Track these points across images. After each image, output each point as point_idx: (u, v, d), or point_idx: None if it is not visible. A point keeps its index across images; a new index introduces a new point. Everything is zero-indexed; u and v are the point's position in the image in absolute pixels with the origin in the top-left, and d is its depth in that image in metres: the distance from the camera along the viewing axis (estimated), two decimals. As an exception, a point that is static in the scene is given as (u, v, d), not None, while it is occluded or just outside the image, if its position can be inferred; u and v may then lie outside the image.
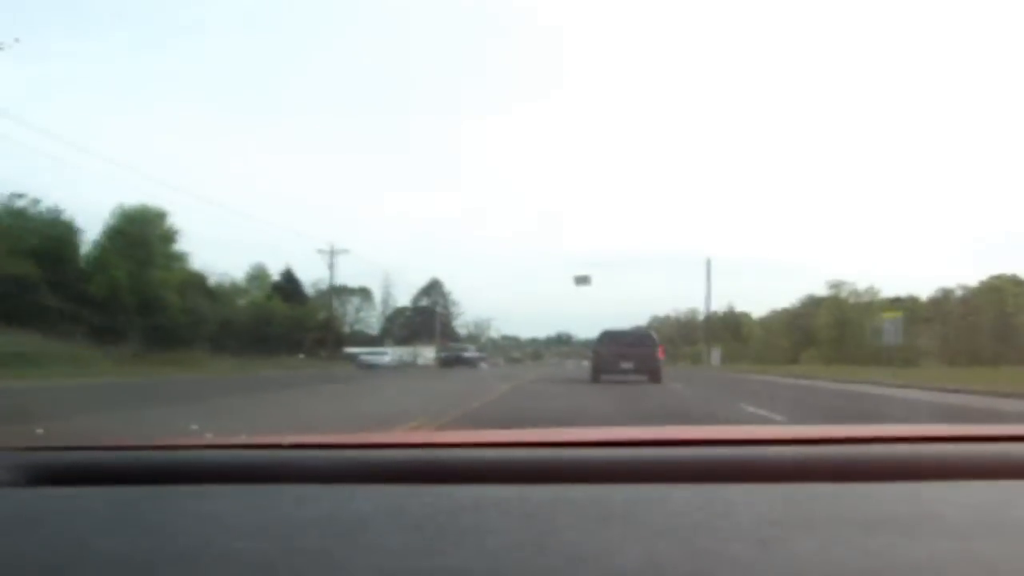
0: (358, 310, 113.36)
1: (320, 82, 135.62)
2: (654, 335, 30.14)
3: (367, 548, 0.90)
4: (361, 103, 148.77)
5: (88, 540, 0.95)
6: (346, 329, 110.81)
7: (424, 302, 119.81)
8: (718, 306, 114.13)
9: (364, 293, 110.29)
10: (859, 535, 0.89)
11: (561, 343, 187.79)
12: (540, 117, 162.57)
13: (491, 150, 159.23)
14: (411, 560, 0.85)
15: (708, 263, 67.03)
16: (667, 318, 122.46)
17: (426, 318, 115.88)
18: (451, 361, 71.20)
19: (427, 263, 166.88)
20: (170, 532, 0.98)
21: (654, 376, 26.21)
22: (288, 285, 66.28)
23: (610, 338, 28.52)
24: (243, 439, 1.50)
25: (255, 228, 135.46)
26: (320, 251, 64.65)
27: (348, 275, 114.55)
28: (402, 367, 69.45)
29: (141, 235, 45.82)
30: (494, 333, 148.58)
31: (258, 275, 67.13)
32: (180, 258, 52.15)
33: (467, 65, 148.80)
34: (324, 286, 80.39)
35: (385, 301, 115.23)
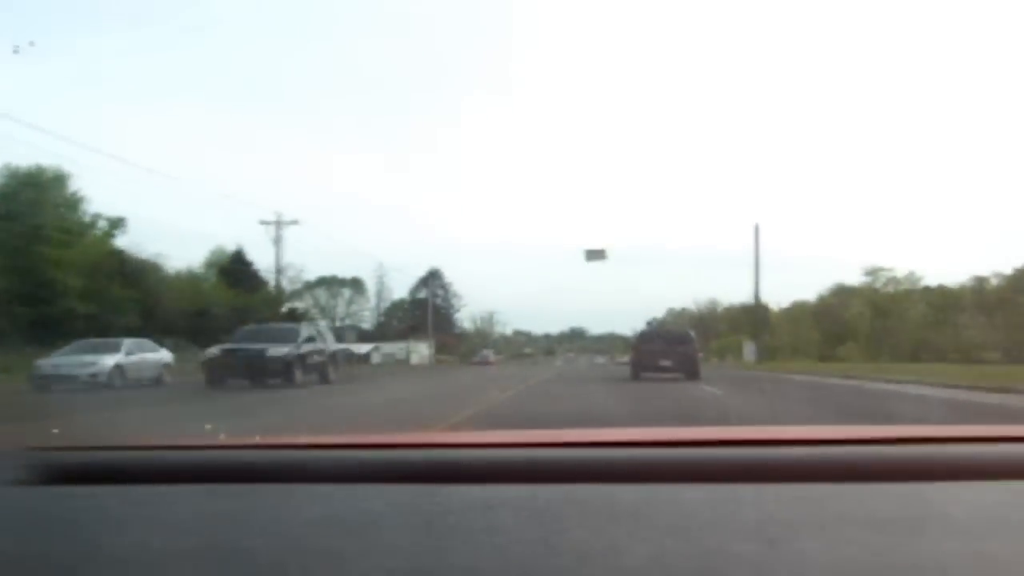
0: (349, 303, 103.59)
1: (317, 72, 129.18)
2: (692, 334, 30.32)
3: (378, 547, 0.91)
4: (357, 90, 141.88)
5: (103, 538, 0.97)
6: (336, 322, 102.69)
7: (423, 294, 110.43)
8: (737, 297, 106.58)
9: (356, 284, 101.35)
10: (867, 535, 0.90)
11: (574, 339, 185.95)
12: (553, 105, 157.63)
13: (500, 140, 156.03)
14: (422, 559, 0.87)
15: (756, 229, 54.95)
16: (683, 311, 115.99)
17: (425, 312, 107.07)
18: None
19: (429, 255, 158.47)
20: (184, 530, 1.00)
21: (692, 374, 26.57)
22: (237, 268, 55.71)
23: (649, 337, 29.75)
24: (256, 440, 1.51)
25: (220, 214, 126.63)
26: (263, 222, 54.67)
27: (342, 267, 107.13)
28: (388, 367, 60.93)
29: (33, 201, 37.55)
30: (504, 328, 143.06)
31: (216, 260, 57.76)
32: (89, 232, 44.42)
33: (469, 51, 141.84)
34: (309, 277, 73.00)
35: (380, 293, 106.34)
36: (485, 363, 79.75)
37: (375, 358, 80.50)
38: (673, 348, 27.79)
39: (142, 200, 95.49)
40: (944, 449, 1.27)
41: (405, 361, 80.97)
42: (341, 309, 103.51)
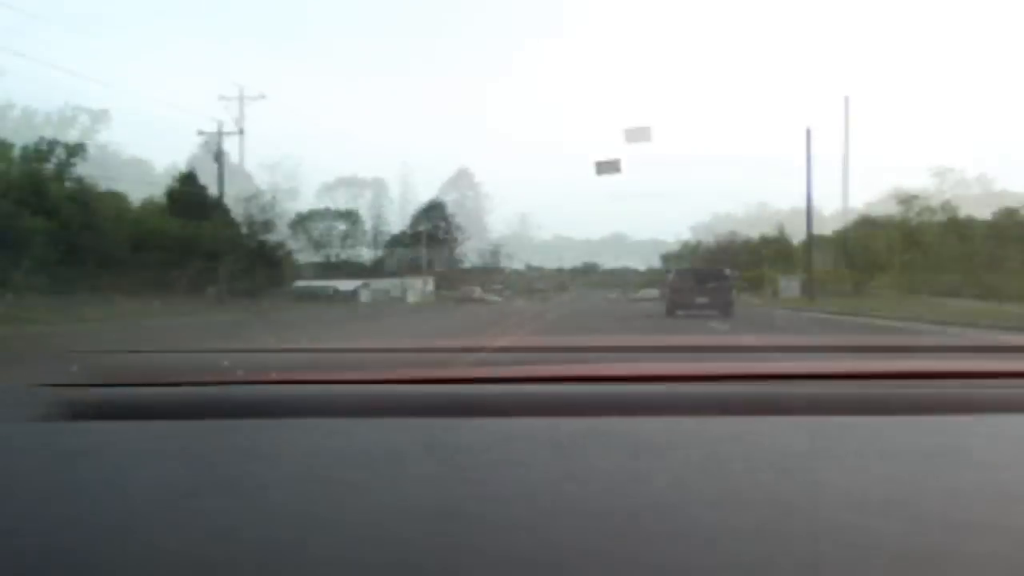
0: (344, 237, 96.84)
1: None
2: (727, 271, 31.25)
3: (403, 479, 0.92)
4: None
5: (126, 472, 0.98)
6: (330, 256, 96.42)
7: (424, 227, 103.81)
8: (755, 229, 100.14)
9: (351, 217, 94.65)
10: (883, 465, 0.92)
11: (588, 272, 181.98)
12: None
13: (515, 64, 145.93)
14: (446, 489, 0.88)
15: (808, 135, 49.87)
16: (698, 244, 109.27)
17: (428, 246, 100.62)
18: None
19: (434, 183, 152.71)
20: (206, 464, 1.01)
21: (725, 310, 26.67)
22: (186, 192, 46.94)
23: (685, 275, 30.76)
24: (273, 375, 1.53)
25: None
26: (223, 98, 47.40)
27: (338, 200, 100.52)
28: (374, 306, 54.71)
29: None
30: (514, 262, 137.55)
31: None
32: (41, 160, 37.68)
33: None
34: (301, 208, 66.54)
35: (375, 225, 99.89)
36: (468, 299, 74.31)
37: (363, 296, 74.15)
38: (708, 285, 28.52)
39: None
40: (962, 384, 1.30)
41: (401, 299, 74.76)
42: (336, 244, 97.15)
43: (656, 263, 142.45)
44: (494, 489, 0.87)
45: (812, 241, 55.53)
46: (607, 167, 36.48)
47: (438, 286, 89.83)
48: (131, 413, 1.25)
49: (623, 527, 0.76)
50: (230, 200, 52.98)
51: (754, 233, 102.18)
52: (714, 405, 1.19)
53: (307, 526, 0.77)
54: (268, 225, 58.58)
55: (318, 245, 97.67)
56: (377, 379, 1.47)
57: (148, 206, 48.03)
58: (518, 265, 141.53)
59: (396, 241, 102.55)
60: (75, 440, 1.11)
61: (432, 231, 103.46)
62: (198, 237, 41.47)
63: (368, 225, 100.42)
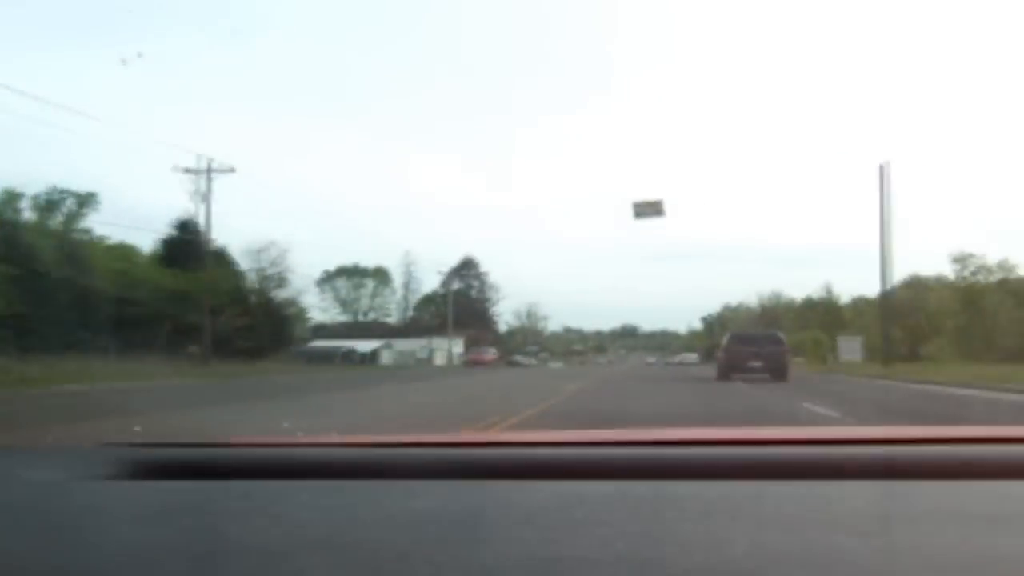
0: (373, 295, 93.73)
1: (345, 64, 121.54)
2: (782, 336, 30.92)
3: (488, 540, 0.93)
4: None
5: (189, 530, 1.02)
6: (358, 315, 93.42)
7: (456, 285, 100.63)
8: (800, 292, 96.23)
9: (380, 275, 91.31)
10: (957, 529, 0.93)
11: (626, 336, 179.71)
12: (594, 88, 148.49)
13: (553, 131, 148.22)
14: (532, 549, 0.89)
15: (881, 171, 42.85)
16: (740, 306, 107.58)
17: (460, 305, 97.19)
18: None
19: (469, 248, 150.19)
20: (269, 524, 1.02)
21: (780, 375, 27.13)
22: (180, 242, 41.41)
23: (740, 339, 30.11)
24: (334, 437, 1.59)
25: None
26: (186, 170, 40.13)
27: (364, 257, 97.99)
28: (398, 370, 51.24)
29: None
30: (552, 324, 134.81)
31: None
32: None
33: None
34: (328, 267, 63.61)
35: (407, 285, 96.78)
36: (479, 362, 69.11)
37: (385, 357, 70.51)
38: (763, 349, 28.14)
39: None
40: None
41: (427, 361, 71.29)
42: (364, 302, 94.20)
43: (697, 325, 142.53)
44: (579, 548, 0.89)
45: (887, 297, 49.59)
46: (647, 209, 27.75)
47: (468, 347, 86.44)
48: (192, 472, 1.27)
49: None
50: (236, 251, 49.75)
51: (797, 295, 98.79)
52: (782, 469, 1.18)
53: None
54: (279, 279, 54.81)
55: (344, 304, 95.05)
56: (441, 442, 1.48)
57: (133, 255, 44.75)
58: (555, 326, 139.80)
59: (428, 301, 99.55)
60: (139, 498, 1.15)
61: (464, 290, 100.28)
62: (188, 289, 38.14)
63: (398, 283, 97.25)
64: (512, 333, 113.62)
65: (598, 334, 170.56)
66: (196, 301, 37.42)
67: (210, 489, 1.20)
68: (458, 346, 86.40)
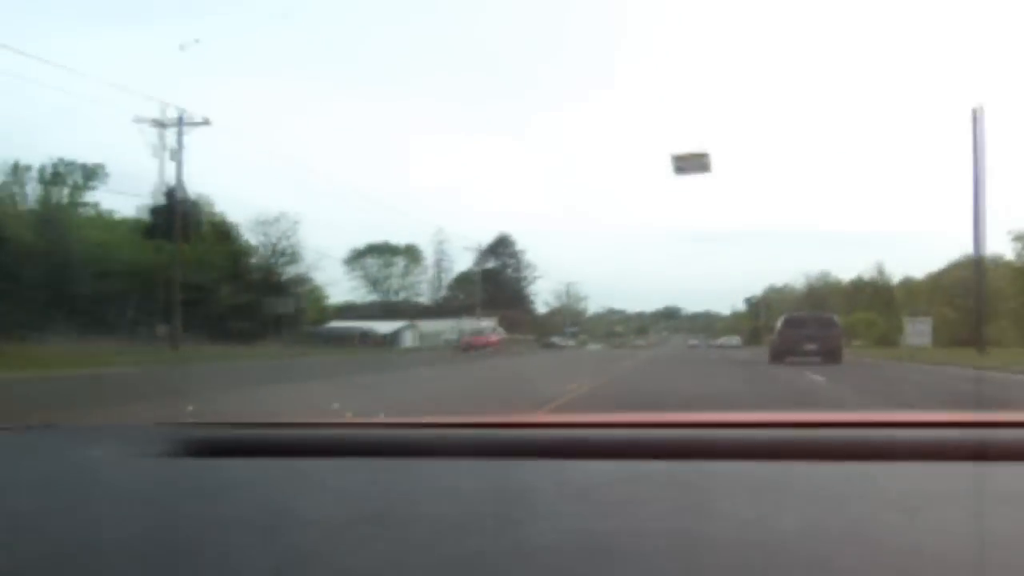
0: (404, 274, 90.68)
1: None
2: (836, 319, 30.86)
3: (543, 515, 0.95)
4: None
5: (251, 506, 1.04)
6: (388, 296, 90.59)
7: (491, 264, 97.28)
8: (846, 273, 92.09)
9: (411, 252, 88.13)
10: (1003, 509, 0.94)
11: (669, 317, 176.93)
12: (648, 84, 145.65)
13: (595, 108, 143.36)
14: (588, 523, 0.91)
15: (974, 115, 36.40)
16: (785, 288, 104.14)
17: (495, 285, 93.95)
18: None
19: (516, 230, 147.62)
20: (319, 500, 1.05)
21: (834, 357, 27.22)
22: (163, 215, 34.61)
23: (794, 322, 30.23)
24: (382, 418, 1.65)
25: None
26: (153, 122, 34.09)
27: (395, 235, 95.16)
28: (418, 353, 48.05)
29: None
30: (592, 305, 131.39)
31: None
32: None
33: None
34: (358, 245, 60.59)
35: (439, 263, 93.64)
36: (474, 346, 56.11)
37: (407, 339, 67.18)
38: (818, 332, 28.12)
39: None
40: None
41: (456, 343, 68.19)
42: (395, 281, 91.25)
43: (739, 307, 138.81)
44: (635, 522, 0.91)
45: (982, 264, 42.72)
46: (690, 164, 20.45)
47: (502, 328, 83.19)
48: (246, 451, 1.30)
49: (762, 561, 0.81)
50: (244, 224, 46.61)
51: (843, 276, 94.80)
52: (830, 450, 1.19)
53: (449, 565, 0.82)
54: (291, 255, 51.34)
55: (375, 283, 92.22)
56: (487, 423, 1.49)
57: (117, 226, 40.34)
58: (597, 307, 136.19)
59: (462, 280, 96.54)
60: (197, 474, 1.19)
61: (499, 269, 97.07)
62: (168, 264, 33.56)
63: (430, 261, 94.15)
64: (552, 314, 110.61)
65: (640, 315, 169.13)
66: (149, 273, 33.86)
67: (266, 466, 1.22)
68: (492, 326, 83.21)
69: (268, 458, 1.26)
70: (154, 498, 1.08)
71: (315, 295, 61.47)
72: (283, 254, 50.98)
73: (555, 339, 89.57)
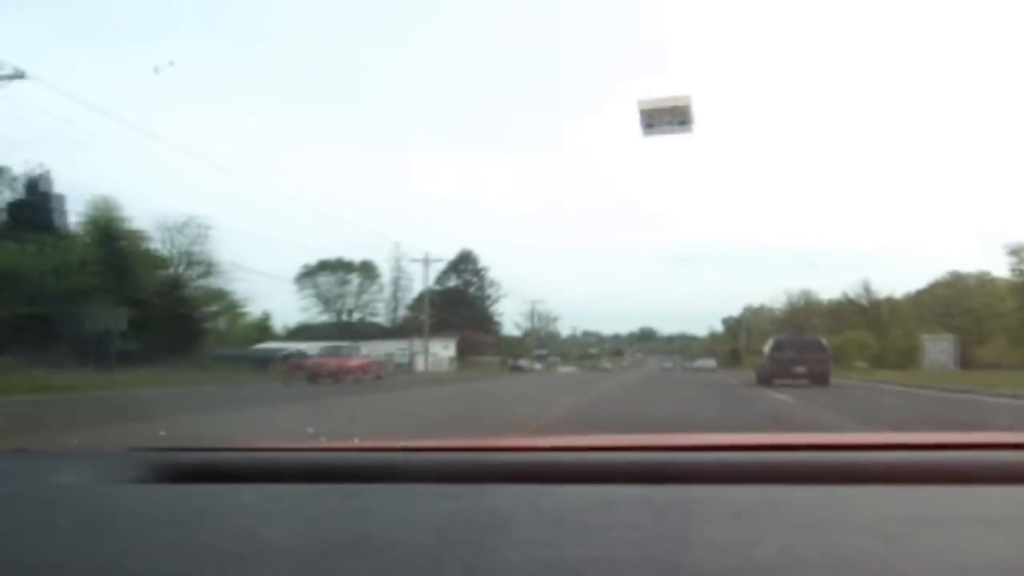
0: (359, 292, 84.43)
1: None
2: (824, 342, 31.38)
3: (517, 541, 0.94)
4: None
5: (223, 533, 1.02)
6: (342, 316, 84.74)
7: (453, 282, 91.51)
8: (824, 293, 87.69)
9: (367, 269, 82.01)
10: (983, 534, 0.94)
11: (645, 339, 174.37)
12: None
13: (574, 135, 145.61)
14: (563, 551, 0.89)
15: None
16: (762, 308, 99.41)
17: (456, 304, 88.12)
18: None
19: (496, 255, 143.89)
20: (315, 527, 1.04)
21: (823, 380, 27.23)
22: (28, 207, 30.93)
23: (783, 345, 30.24)
24: (356, 442, 1.61)
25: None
26: None
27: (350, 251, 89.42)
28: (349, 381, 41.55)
29: None
30: (567, 327, 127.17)
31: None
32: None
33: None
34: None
35: (396, 281, 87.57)
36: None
37: None
38: (807, 355, 28.42)
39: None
40: None
41: (405, 368, 62.08)
42: (350, 300, 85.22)
43: (716, 328, 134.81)
44: (611, 549, 0.89)
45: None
46: (665, 118, 11.15)
47: (463, 351, 77.30)
48: (219, 476, 1.30)
49: None
50: (151, 227, 40.24)
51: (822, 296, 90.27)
52: (808, 473, 1.20)
53: None
54: (207, 265, 44.31)
55: (327, 302, 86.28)
56: (459, 447, 1.50)
57: None
58: (572, 330, 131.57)
59: (423, 300, 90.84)
60: (168, 501, 1.19)
61: (461, 288, 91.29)
62: (22, 269, 28.20)
63: (387, 279, 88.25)
64: (525, 336, 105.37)
65: (616, 337, 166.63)
66: (32, 283, 28.07)
67: (238, 492, 1.22)
68: (450, 349, 77.25)
69: (242, 483, 1.25)
70: (126, 525, 1.06)
71: (233, 311, 54.86)
72: (194, 263, 44.16)
73: (522, 362, 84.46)
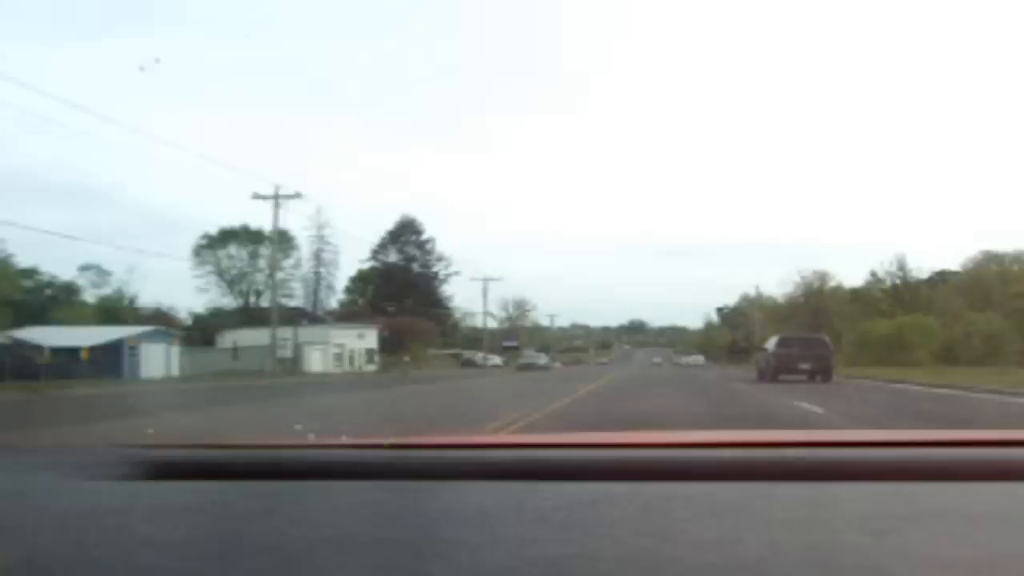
0: (271, 268, 67.19)
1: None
2: (827, 339, 33.77)
3: (502, 539, 0.95)
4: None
5: (209, 530, 1.04)
6: (249, 300, 69.41)
7: (392, 257, 75.21)
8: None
9: (282, 240, 64.93)
10: (966, 530, 0.95)
11: (634, 332, 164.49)
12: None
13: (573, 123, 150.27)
14: (546, 548, 0.91)
15: None
16: (760, 297, 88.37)
17: (407, 283, 72.31)
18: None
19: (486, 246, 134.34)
20: (301, 524, 1.03)
21: (826, 376, 29.68)
22: None
23: (788, 342, 32.66)
24: (345, 439, 1.61)
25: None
26: None
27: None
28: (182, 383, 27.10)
29: None
30: (552, 318, 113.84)
31: None
32: None
33: None
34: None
35: (318, 255, 71.19)
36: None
37: (150, 359, 42.83)
38: (811, 352, 30.88)
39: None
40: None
41: (291, 365, 46.22)
42: (260, 279, 68.93)
43: (711, 319, 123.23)
44: (594, 546, 0.91)
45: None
46: None
47: (392, 342, 61.44)
48: (205, 473, 1.29)
49: None
50: None
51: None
52: (792, 471, 1.21)
53: None
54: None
55: (231, 283, 70.66)
56: (447, 444, 1.52)
57: None
58: (544, 320, 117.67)
59: (363, 278, 75.03)
60: (154, 497, 1.18)
61: (402, 264, 75.12)
62: None
63: (305, 253, 72.37)
64: (504, 327, 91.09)
65: (604, 330, 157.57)
66: None
67: (224, 489, 1.22)
68: (367, 339, 61.51)
69: (227, 480, 1.25)
70: (110, 523, 1.05)
71: None
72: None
73: (478, 357, 69.36)
